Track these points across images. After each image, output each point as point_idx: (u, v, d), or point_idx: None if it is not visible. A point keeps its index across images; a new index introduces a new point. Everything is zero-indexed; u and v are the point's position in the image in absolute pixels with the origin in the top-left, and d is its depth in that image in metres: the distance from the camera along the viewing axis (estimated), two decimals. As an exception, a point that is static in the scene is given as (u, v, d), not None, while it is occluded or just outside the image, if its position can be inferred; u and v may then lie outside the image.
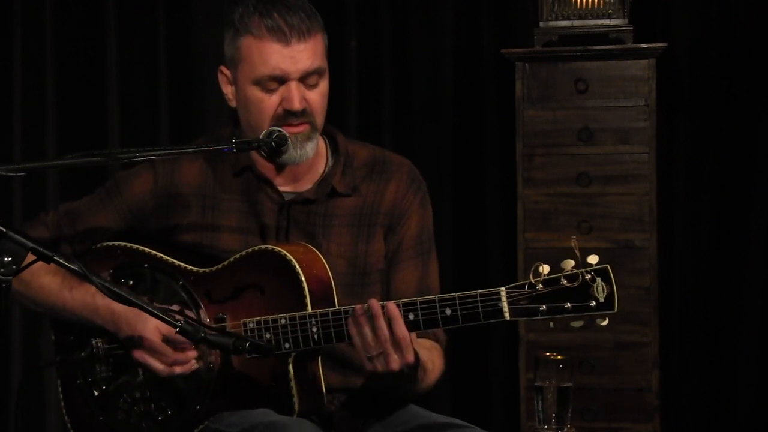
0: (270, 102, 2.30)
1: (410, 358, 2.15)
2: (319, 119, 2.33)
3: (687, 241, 4.01)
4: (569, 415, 2.20)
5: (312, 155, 2.34)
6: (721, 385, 3.98)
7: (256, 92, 2.30)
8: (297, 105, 2.28)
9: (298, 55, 2.27)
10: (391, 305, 2.14)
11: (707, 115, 3.98)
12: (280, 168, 2.38)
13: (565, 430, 2.19)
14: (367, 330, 2.15)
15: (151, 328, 2.27)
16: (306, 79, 2.29)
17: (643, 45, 3.73)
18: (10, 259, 1.93)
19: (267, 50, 2.27)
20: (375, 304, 2.15)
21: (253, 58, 2.29)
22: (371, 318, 2.14)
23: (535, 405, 2.21)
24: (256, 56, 2.28)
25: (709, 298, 4.00)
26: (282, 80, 2.28)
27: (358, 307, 2.16)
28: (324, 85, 2.33)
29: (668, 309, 3.94)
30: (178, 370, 2.28)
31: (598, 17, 3.78)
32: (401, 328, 2.13)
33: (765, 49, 3.92)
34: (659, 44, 3.74)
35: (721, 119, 3.97)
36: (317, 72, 2.30)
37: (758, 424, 3.95)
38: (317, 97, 2.31)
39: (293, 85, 2.28)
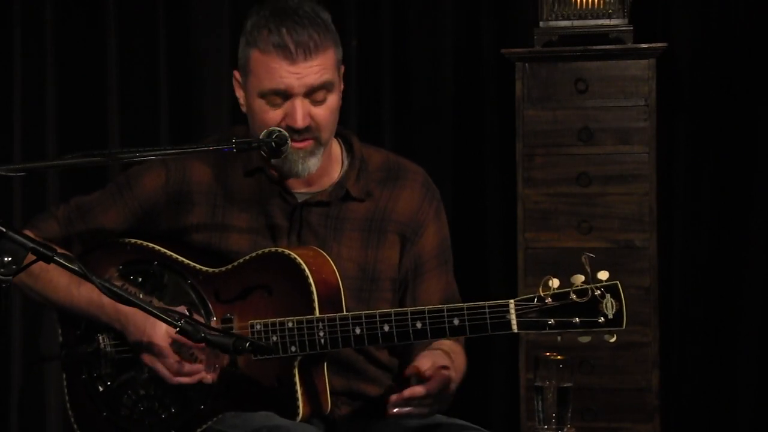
0: (273, 116, 2.29)
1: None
2: (326, 134, 2.32)
3: (687, 241, 4.01)
4: (569, 415, 2.20)
5: (315, 170, 2.33)
6: (721, 385, 3.98)
7: (261, 104, 2.30)
8: (299, 123, 2.27)
9: (303, 72, 2.25)
10: (407, 392, 2.16)
11: (707, 115, 3.98)
12: (285, 176, 2.37)
13: (565, 430, 2.19)
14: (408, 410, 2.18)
15: (161, 333, 2.27)
16: (312, 94, 2.27)
17: (643, 45, 3.73)
18: (10, 259, 1.94)
19: (272, 66, 2.26)
20: (394, 399, 2.17)
21: (259, 72, 2.28)
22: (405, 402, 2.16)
23: (535, 405, 2.21)
24: (263, 71, 2.27)
25: (709, 298, 3.99)
26: (286, 95, 2.27)
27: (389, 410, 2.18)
28: (333, 99, 2.31)
29: (668, 309, 3.94)
30: (185, 380, 2.28)
31: (598, 17, 3.77)
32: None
33: (765, 49, 3.92)
34: (659, 44, 3.74)
35: (721, 119, 3.96)
36: (324, 87, 2.28)
37: (758, 424, 3.95)
38: (324, 112, 2.30)
39: (297, 102, 2.27)
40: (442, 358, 2.24)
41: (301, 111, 2.27)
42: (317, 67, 2.26)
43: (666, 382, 3.81)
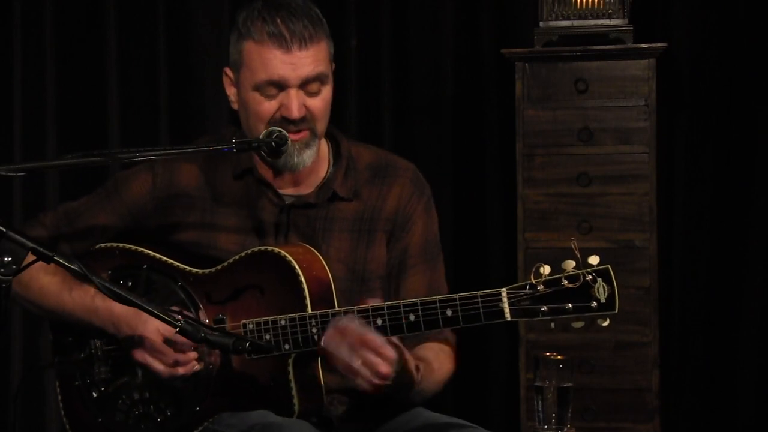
0: (268, 107, 2.29)
1: (389, 353, 2.12)
2: (320, 126, 2.32)
3: (687, 241, 4.01)
4: (569, 415, 2.20)
5: (310, 162, 2.33)
6: (721, 385, 3.98)
7: (255, 97, 2.30)
8: (295, 113, 2.27)
9: (298, 62, 2.26)
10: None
11: (707, 115, 3.98)
12: (279, 172, 2.37)
13: (565, 430, 2.19)
14: (343, 349, 2.14)
15: (152, 329, 2.27)
16: (306, 86, 2.28)
17: (643, 45, 3.73)
18: (9, 259, 1.94)
19: (267, 56, 2.26)
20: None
21: (253, 64, 2.28)
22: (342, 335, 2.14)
23: (535, 405, 2.20)
24: (257, 61, 2.28)
25: (709, 298, 3.99)
26: (281, 86, 2.27)
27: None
28: (326, 91, 2.31)
29: (668, 309, 3.94)
30: (180, 371, 2.28)
31: (598, 17, 3.77)
32: (369, 333, 2.12)
33: (765, 49, 3.92)
34: (659, 44, 3.74)
35: (721, 119, 3.97)
36: (318, 79, 2.29)
37: (758, 424, 3.95)
38: (319, 103, 2.30)
39: (292, 93, 2.27)
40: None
41: (296, 102, 2.27)
42: (311, 58, 2.27)
43: (666, 382, 3.81)
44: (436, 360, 2.33)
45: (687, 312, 4.01)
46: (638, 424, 3.72)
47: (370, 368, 2.11)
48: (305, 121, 2.29)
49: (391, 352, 2.11)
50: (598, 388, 3.72)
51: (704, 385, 3.99)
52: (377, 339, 2.12)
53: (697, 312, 4.01)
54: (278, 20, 2.26)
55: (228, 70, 2.37)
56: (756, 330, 3.95)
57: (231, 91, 2.38)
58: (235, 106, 2.38)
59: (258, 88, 2.29)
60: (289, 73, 2.26)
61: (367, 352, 2.11)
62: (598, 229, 3.73)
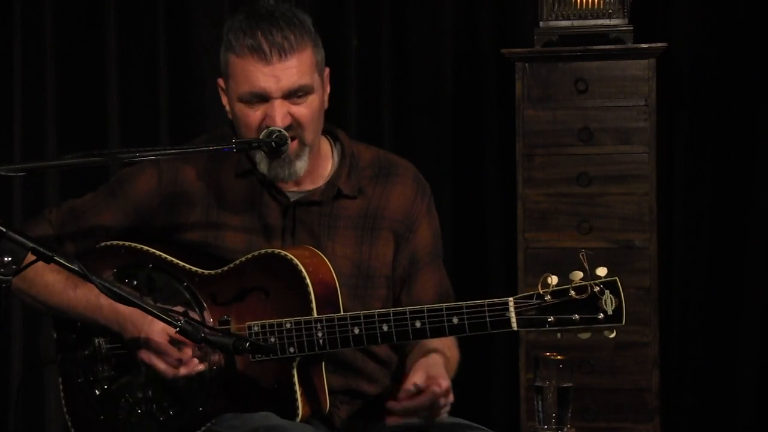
0: (254, 117, 2.29)
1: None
2: (309, 134, 2.31)
3: (687, 241, 4.01)
4: (569, 415, 2.20)
5: (302, 173, 2.33)
6: (721, 385, 3.98)
7: (242, 108, 2.30)
8: (278, 123, 2.26)
9: (279, 74, 2.26)
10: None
11: (707, 115, 3.98)
12: (273, 181, 2.36)
13: (565, 430, 2.19)
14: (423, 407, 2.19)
15: (158, 329, 2.27)
16: (290, 96, 2.28)
17: (643, 45, 3.73)
18: (9, 259, 1.93)
19: (249, 68, 2.26)
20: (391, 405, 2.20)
21: (237, 76, 2.29)
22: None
23: (535, 405, 2.21)
24: (240, 74, 2.28)
25: (709, 297, 3.99)
26: (264, 98, 2.27)
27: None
28: (314, 99, 2.30)
29: (668, 309, 3.94)
30: (183, 371, 2.28)
31: (598, 17, 3.77)
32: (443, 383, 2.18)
33: (765, 49, 3.91)
34: (659, 44, 3.74)
35: (721, 119, 3.97)
36: (302, 90, 2.28)
37: (758, 424, 3.95)
38: (304, 110, 2.29)
39: (276, 103, 2.27)
40: (435, 367, 2.24)
41: (279, 111, 2.26)
42: (294, 69, 2.26)
43: (666, 382, 3.81)
44: (447, 348, 2.35)
45: (687, 312, 4.01)
46: (638, 424, 3.72)
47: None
48: (292, 129, 2.29)
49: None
50: (598, 388, 3.72)
51: (704, 385, 3.99)
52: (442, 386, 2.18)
53: (697, 312, 4.01)
54: (258, 33, 2.26)
55: (220, 81, 2.38)
56: (756, 330, 3.95)
57: (225, 101, 2.39)
58: (230, 116, 2.39)
59: (243, 99, 2.29)
60: (272, 86, 2.26)
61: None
62: (598, 229, 3.73)
